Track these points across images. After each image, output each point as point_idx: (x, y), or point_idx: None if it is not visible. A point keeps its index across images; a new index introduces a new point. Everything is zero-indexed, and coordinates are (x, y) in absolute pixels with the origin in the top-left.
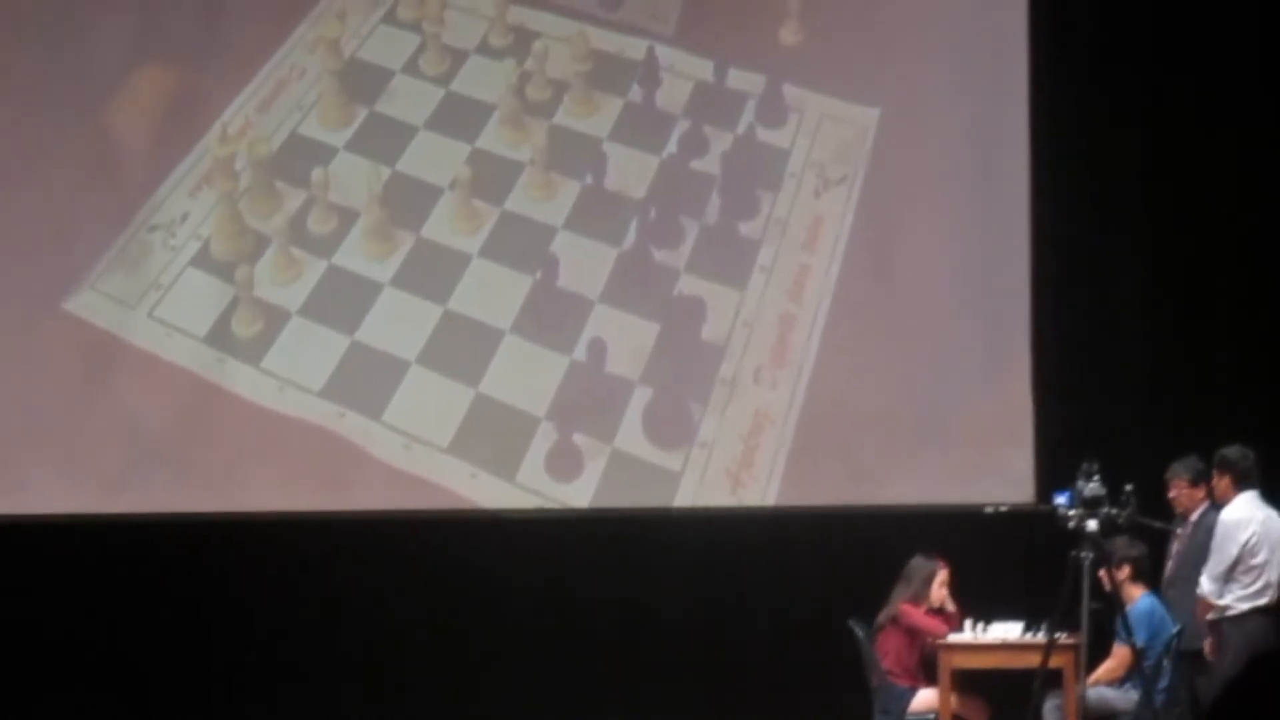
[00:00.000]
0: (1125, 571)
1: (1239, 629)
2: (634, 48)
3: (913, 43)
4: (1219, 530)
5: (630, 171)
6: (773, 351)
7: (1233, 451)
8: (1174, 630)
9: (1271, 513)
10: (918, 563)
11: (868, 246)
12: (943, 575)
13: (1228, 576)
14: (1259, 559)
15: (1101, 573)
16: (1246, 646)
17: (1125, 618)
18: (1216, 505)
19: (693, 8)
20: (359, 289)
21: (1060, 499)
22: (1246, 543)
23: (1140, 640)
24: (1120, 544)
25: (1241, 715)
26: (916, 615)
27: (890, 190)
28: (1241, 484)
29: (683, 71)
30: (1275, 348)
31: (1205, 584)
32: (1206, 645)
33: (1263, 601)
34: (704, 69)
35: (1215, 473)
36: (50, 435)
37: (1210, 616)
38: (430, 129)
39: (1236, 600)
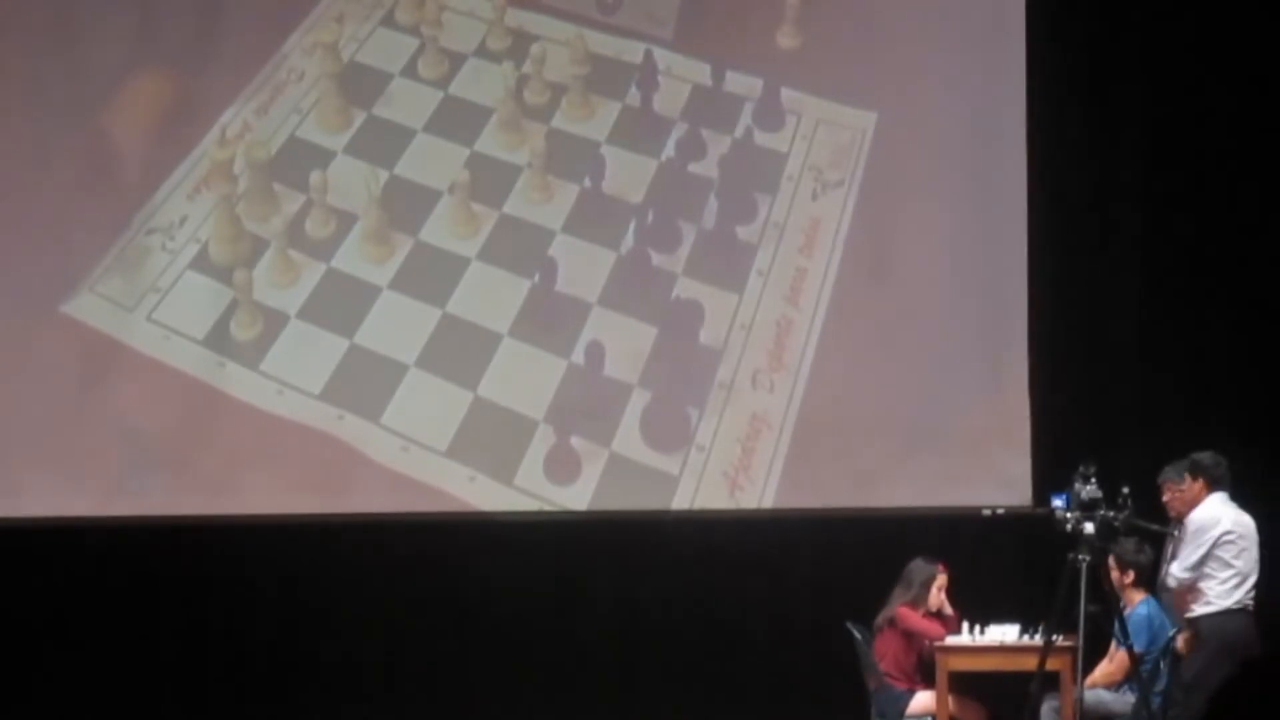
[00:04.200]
0: (1130, 577)
1: (1214, 627)
2: (632, 51)
3: (910, 47)
4: (1189, 527)
5: (628, 175)
6: (770, 355)
7: (1206, 457)
8: (1171, 633)
9: (1241, 514)
10: (917, 565)
11: (865, 250)
12: (942, 579)
13: (1199, 568)
14: (1231, 555)
15: (1113, 571)
16: (1221, 645)
17: (1123, 621)
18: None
19: (690, 11)
20: (358, 292)
21: (1057, 502)
22: (1219, 539)
23: (1140, 646)
24: (1129, 548)
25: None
26: (914, 618)
27: (888, 194)
28: (1213, 488)
29: (680, 75)
30: (1272, 351)
31: (1180, 573)
32: (1181, 640)
33: (1234, 599)
34: (701, 72)
35: (1189, 477)
36: (48, 438)
37: (1190, 613)
38: (429, 132)
39: (1214, 597)
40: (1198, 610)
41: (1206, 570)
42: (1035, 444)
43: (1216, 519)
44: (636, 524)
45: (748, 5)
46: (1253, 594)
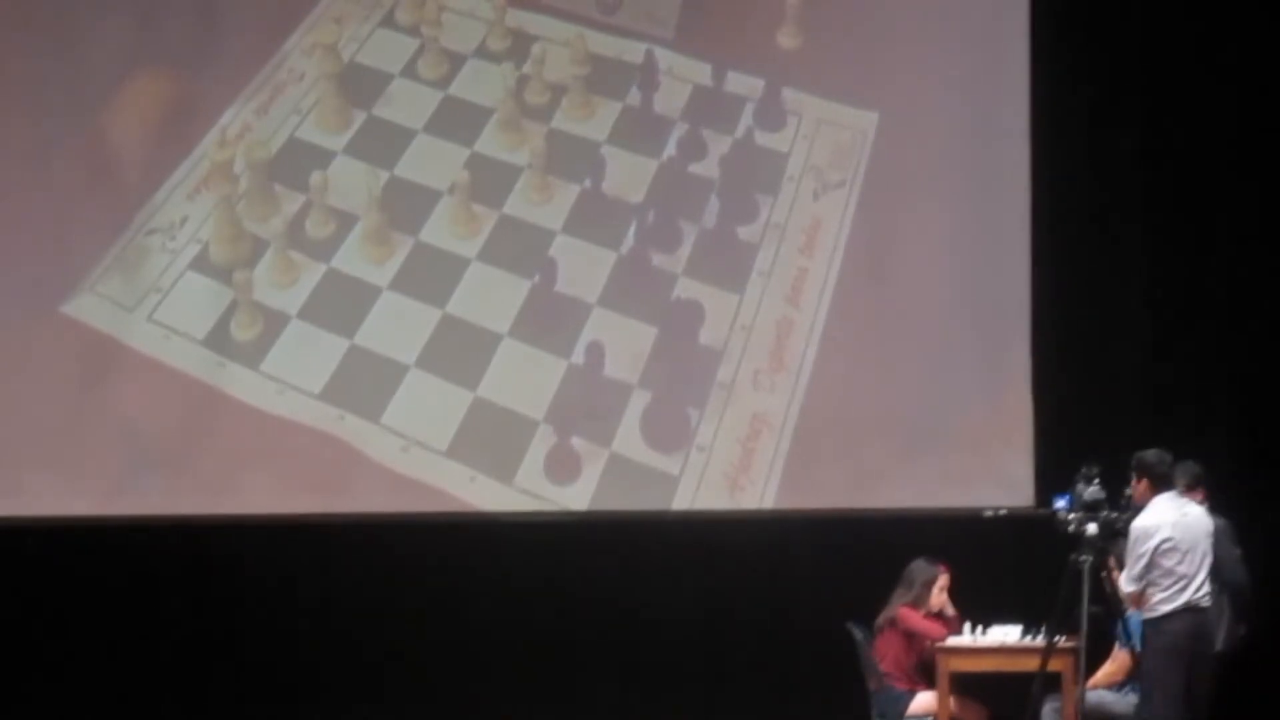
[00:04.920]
0: None
1: (1156, 631)
2: (632, 51)
3: (911, 46)
4: (1131, 535)
5: (629, 175)
6: (771, 355)
7: (1150, 454)
8: None
9: (1191, 511)
10: (918, 566)
11: (866, 250)
12: (943, 580)
13: (1144, 578)
14: (1172, 562)
15: (1114, 572)
16: (1167, 648)
17: (1125, 622)
18: (1136, 508)
19: (691, 11)
20: (358, 292)
21: (1060, 503)
22: (1158, 548)
23: (1140, 646)
24: (1127, 547)
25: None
26: (915, 619)
27: (889, 194)
28: (1158, 487)
29: (681, 75)
30: (1273, 352)
31: (1127, 585)
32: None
33: (1180, 602)
34: (702, 72)
35: (1134, 476)
36: (48, 438)
37: (1143, 617)
38: (429, 133)
39: (1158, 604)
40: (1145, 615)
41: (1151, 578)
42: (1037, 444)
43: (1156, 527)
44: (636, 524)
45: (749, 5)
46: (1204, 591)
